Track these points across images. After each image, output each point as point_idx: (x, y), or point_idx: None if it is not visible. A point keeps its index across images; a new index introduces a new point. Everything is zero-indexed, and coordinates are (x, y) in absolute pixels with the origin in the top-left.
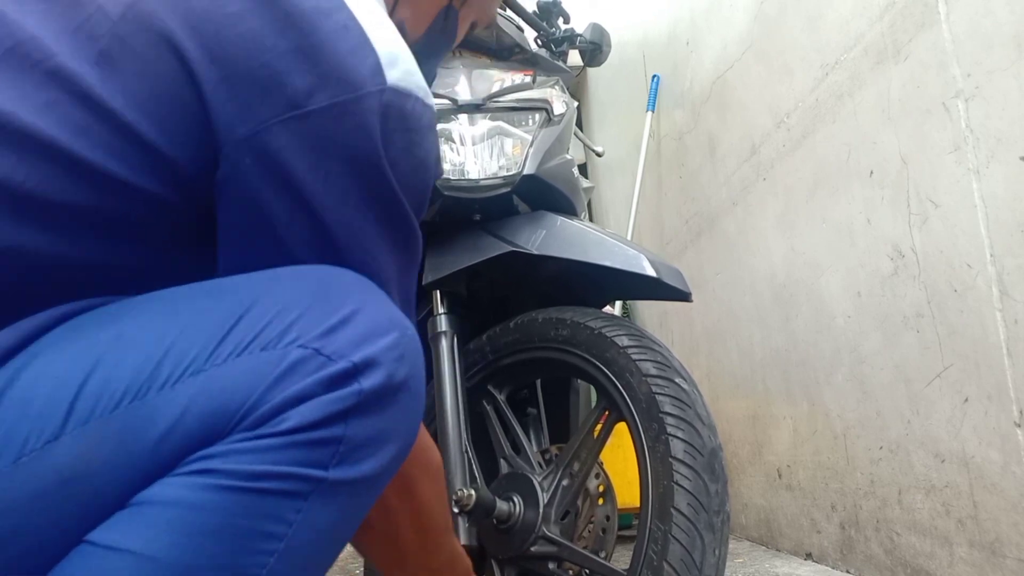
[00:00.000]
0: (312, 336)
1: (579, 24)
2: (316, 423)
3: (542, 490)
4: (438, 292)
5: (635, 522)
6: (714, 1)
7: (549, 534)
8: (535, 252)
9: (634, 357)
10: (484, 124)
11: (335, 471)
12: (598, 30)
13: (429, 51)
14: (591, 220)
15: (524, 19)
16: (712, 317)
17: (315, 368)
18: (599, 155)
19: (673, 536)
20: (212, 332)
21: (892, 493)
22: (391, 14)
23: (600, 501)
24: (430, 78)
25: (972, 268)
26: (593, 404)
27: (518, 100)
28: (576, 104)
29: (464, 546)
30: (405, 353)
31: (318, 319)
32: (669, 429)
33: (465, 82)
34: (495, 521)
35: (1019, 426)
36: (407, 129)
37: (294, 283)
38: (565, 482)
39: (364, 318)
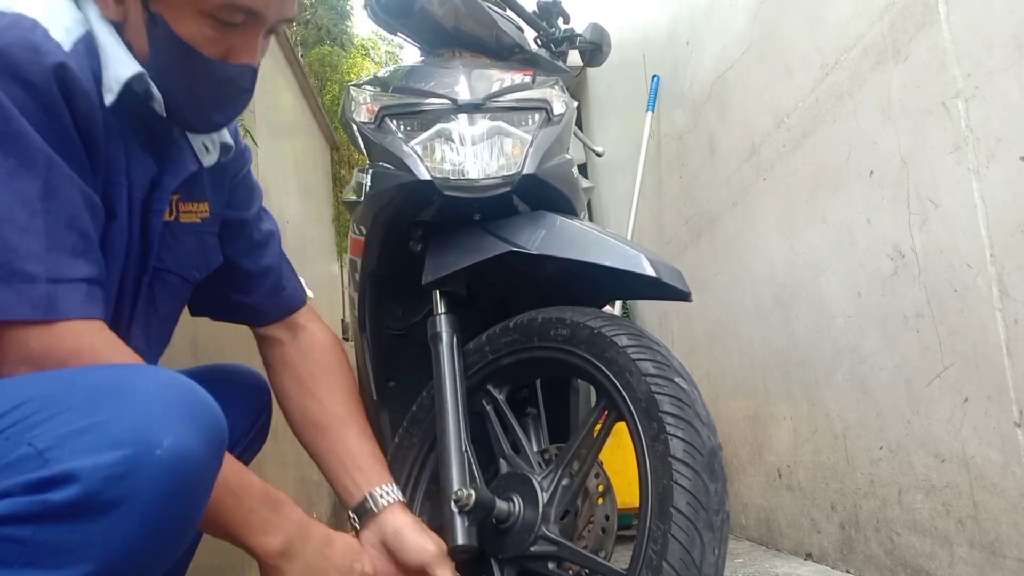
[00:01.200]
0: (49, 436)
1: (579, 24)
2: (5, 519)
3: (542, 490)
4: (438, 292)
5: (635, 522)
6: (714, 1)
7: (549, 534)
8: (535, 252)
9: (633, 356)
10: (484, 124)
11: (15, 572)
12: (598, 30)
13: (172, 68)
14: (591, 220)
15: (524, 19)
16: (712, 317)
17: (30, 468)
18: (599, 155)
19: (672, 535)
20: None
21: (892, 493)
22: (127, 42)
23: (600, 501)
24: (191, 88)
25: (972, 268)
26: (593, 404)
27: (518, 100)
28: (576, 104)
29: (464, 546)
30: (129, 473)
31: (66, 421)
32: (668, 428)
33: (465, 82)
34: (495, 521)
35: (1019, 426)
36: None
37: (73, 383)
38: (565, 482)
39: (105, 429)
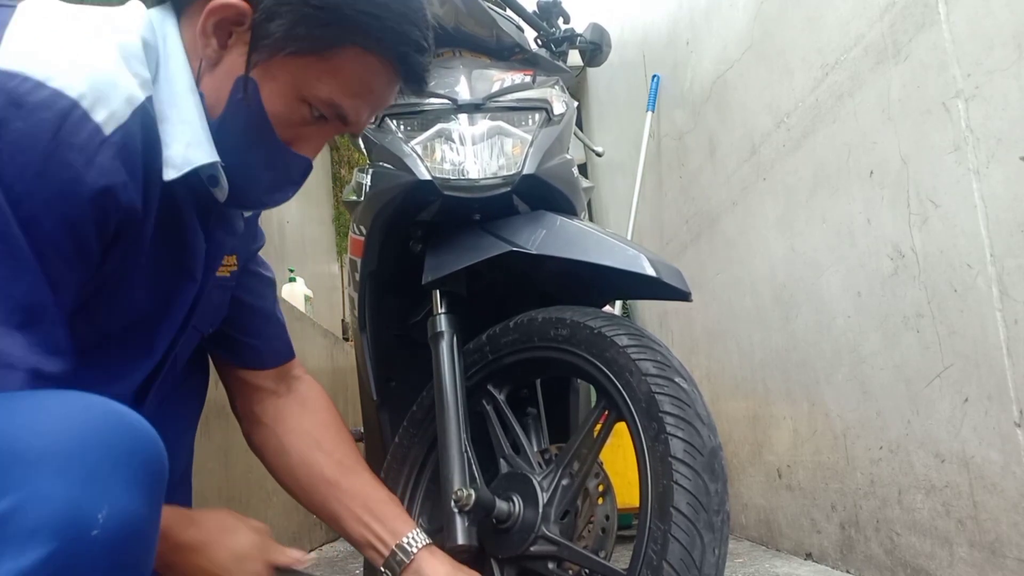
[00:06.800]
0: None
1: (579, 24)
2: None
3: (542, 490)
4: (438, 292)
5: (635, 522)
6: (714, 1)
7: (549, 534)
8: (535, 252)
9: (633, 356)
10: (484, 124)
11: None
12: (598, 30)
13: (237, 135)
14: (591, 220)
15: (524, 19)
16: (712, 317)
17: None
18: (599, 155)
19: (673, 536)
20: None
21: (892, 493)
22: (198, 84)
23: (600, 501)
24: (248, 163)
25: (972, 268)
26: (593, 404)
27: (518, 100)
28: (576, 104)
29: (463, 546)
30: (62, 572)
31: None
32: (669, 428)
33: (465, 82)
34: (495, 521)
35: (1019, 426)
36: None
37: None
38: (565, 482)
39: (16, 523)
